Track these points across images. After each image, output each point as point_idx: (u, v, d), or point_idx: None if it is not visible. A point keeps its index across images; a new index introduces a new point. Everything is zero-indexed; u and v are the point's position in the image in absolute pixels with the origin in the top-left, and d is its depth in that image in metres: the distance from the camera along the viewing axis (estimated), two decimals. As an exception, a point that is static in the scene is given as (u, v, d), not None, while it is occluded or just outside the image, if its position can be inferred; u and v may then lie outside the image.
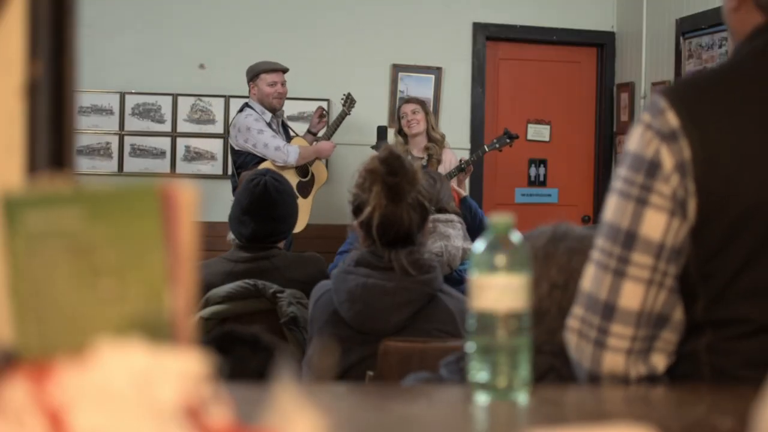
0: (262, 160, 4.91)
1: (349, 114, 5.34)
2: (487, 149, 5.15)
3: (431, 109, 5.59)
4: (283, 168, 4.92)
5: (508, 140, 5.11)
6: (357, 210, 2.27)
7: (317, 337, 2.25)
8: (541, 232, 1.60)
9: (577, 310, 1.35)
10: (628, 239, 1.30)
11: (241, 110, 5.04)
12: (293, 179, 5.06)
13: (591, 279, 1.34)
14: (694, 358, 1.33)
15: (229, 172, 5.63)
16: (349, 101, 5.34)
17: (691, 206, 1.28)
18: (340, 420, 0.87)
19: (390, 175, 2.20)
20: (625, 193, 1.31)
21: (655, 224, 1.29)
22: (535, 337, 1.52)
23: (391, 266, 2.21)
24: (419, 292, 2.20)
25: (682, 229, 1.29)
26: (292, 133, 5.24)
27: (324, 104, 5.78)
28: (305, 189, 5.14)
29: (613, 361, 1.31)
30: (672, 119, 1.29)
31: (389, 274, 2.20)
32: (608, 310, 1.31)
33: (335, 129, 5.31)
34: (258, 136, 4.88)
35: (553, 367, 1.48)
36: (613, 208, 1.33)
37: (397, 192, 2.20)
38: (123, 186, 0.71)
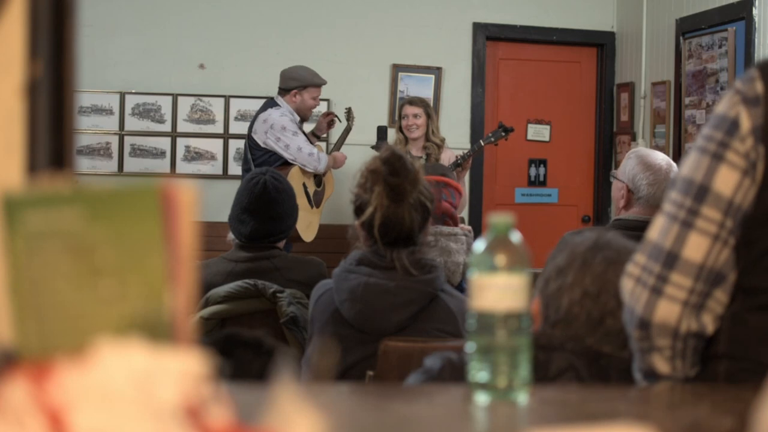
0: (287, 161, 4.84)
1: (351, 128, 5.35)
2: (483, 143, 5.13)
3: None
4: (304, 174, 4.92)
5: (503, 133, 5.10)
6: (359, 210, 2.27)
7: (317, 336, 2.25)
8: (585, 238, 1.61)
9: (639, 258, 1.38)
10: (701, 192, 1.34)
11: (271, 106, 4.90)
12: (311, 188, 5.04)
13: (658, 229, 1.37)
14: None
15: (230, 172, 5.62)
16: (350, 116, 5.36)
17: (759, 170, 1.33)
18: (340, 420, 0.87)
19: (392, 175, 2.20)
20: (704, 148, 1.36)
21: (728, 180, 1.33)
22: (558, 337, 1.52)
23: (393, 266, 2.21)
24: (420, 292, 2.20)
25: (751, 190, 1.33)
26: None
27: (324, 104, 5.78)
28: (318, 199, 5.12)
29: (667, 310, 1.33)
30: (759, 86, 1.34)
31: (391, 273, 2.21)
32: (671, 259, 1.34)
33: (342, 142, 5.32)
34: (293, 138, 4.80)
35: (572, 366, 1.48)
36: (690, 162, 1.37)
37: (399, 192, 2.20)
38: (123, 186, 0.71)
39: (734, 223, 1.33)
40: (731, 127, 1.34)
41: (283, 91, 4.95)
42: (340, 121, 5.33)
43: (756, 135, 1.33)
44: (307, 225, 4.99)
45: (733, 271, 1.35)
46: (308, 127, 5.40)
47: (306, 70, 5.00)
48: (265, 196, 2.82)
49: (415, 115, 4.98)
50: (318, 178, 5.11)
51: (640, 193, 2.78)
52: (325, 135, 5.40)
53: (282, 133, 4.80)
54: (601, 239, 1.60)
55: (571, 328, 1.53)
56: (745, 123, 1.33)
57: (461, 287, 3.02)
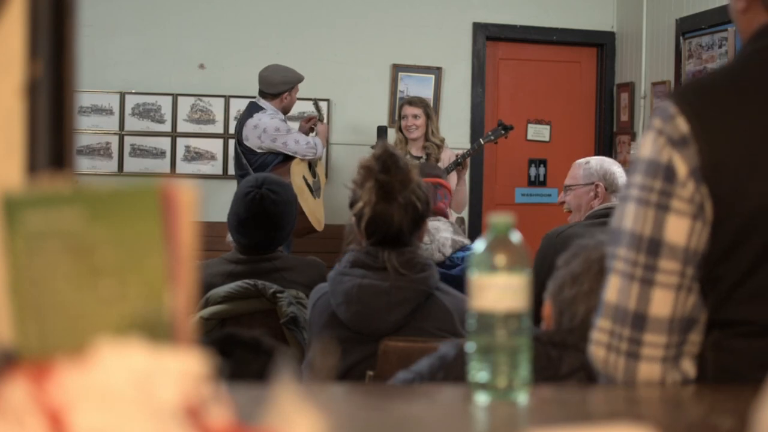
0: (287, 158, 4.89)
1: (323, 119, 5.39)
2: (483, 142, 5.12)
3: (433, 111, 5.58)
4: (302, 166, 4.97)
5: (503, 131, 5.09)
6: (352, 204, 2.28)
7: (316, 339, 2.25)
8: (599, 243, 1.59)
9: (603, 323, 1.31)
10: (653, 246, 1.27)
11: (256, 111, 4.93)
12: (309, 179, 5.09)
13: (615, 290, 1.30)
14: (700, 356, 1.33)
15: (230, 172, 5.62)
16: (318, 107, 5.38)
17: (708, 210, 1.27)
18: (340, 420, 0.88)
19: (382, 172, 2.20)
20: (644, 200, 1.29)
21: (679, 229, 1.27)
22: (572, 338, 1.52)
23: (386, 266, 2.21)
24: (414, 291, 2.20)
25: (704, 232, 1.28)
26: None
27: (324, 104, 5.78)
28: (317, 189, 5.16)
29: (648, 371, 1.28)
30: (682, 125, 1.28)
31: (384, 274, 2.21)
32: (639, 320, 1.28)
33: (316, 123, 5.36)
34: (288, 134, 4.88)
35: (584, 366, 1.47)
36: (632, 215, 1.30)
37: (388, 191, 2.19)
38: (123, 186, 0.71)
39: (694, 268, 1.28)
40: (667, 173, 1.27)
41: (271, 95, 4.98)
42: (321, 121, 5.34)
43: (696, 177, 1.26)
44: (317, 216, 5.06)
45: (703, 311, 1.30)
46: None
47: (286, 71, 5.04)
48: (262, 212, 2.77)
49: (415, 116, 4.98)
50: (312, 168, 5.13)
51: (617, 185, 3.18)
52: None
53: (277, 134, 4.86)
54: None
55: (586, 335, 1.52)
56: (681, 168, 1.27)
57: (452, 260, 3.02)
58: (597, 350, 1.32)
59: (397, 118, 5.22)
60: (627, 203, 1.32)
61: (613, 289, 1.31)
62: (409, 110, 5.00)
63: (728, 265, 1.28)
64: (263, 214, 2.78)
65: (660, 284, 1.27)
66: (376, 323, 2.19)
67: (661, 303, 1.27)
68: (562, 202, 3.32)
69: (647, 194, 1.29)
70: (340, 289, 2.22)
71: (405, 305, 2.19)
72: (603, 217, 2.98)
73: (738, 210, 1.27)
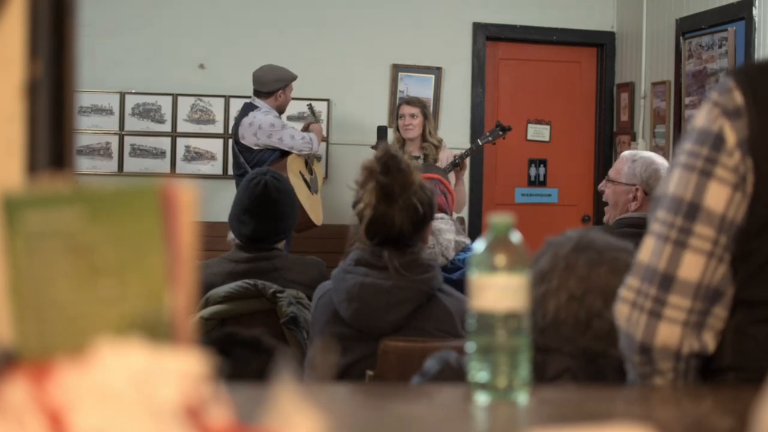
0: (283, 154, 4.95)
1: (317, 120, 5.43)
2: (480, 143, 5.12)
3: (431, 111, 5.58)
4: (299, 162, 5.01)
5: (500, 132, 5.10)
6: (355, 205, 2.28)
7: (318, 337, 2.26)
8: (567, 239, 1.59)
9: (633, 282, 1.34)
10: (692, 210, 1.31)
11: (251, 110, 4.99)
12: (306, 175, 5.12)
13: (649, 250, 1.33)
14: (720, 337, 1.34)
15: (230, 172, 5.61)
16: (312, 110, 5.45)
17: (749, 182, 1.30)
18: (340, 420, 0.87)
19: (383, 174, 2.20)
20: (690, 165, 1.33)
21: (718, 196, 1.30)
22: (552, 341, 1.52)
23: (387, 265, 2.22)
24: (416, 291, 2.21)
25: (743, 204, 1.30)
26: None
27: (324, 104, 5.78)
28: (314, 185, 5.19)
29: (668, 333, 1.30)
30: (737, 97, 1.32)
31: (386, 273, 2.21)
32: (666, 281, 1.31)
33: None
34: (284, 130, 4.95)
35: (569, 369, 1.48)
36: (675, 180, 1.34)
37: (389, 193, 2.20)
38: (123, 186, 0.71)
39: (728, 238, 1.30)
40: (716, 141, 1.31)
41: (266, 94, 5.05)
42: (317, 121, 5.40)
43: (743, 148, 1.30)
44: (315, 210, 5.09)
45: (731, 286, 1.32)
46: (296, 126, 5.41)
47: (280, 69, 5.10)
48: (265, 197, 2.83)
49: (412, 115, 4.98)
50: (308, 165, 5.16)
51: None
52: None
53: (272, 129, 4.92)
54: (583, 240, 1.59)
55: (559, 333, 1.53)
56: (731, 138, 1.31)
57: (454, 263, 3.02)
58: (622, 307, 1.35)
59: (395, 117, 5.23)
60: (674, 169, 1.36)
61: (646, 250, 1.34)
62: (406, 110, 5.01)
63: (761, 241, 1.30)
64: (266, 200, 2.83)
65: (692, 248, 1.30)
66: (376, 321, 2.19)
67: (691, 266, 1.30)
68: (602, 191, 3.10)
69: (693, 160, 1.33)
70: (342, 286, 2.23)
71: (406, 305, 2.20)
72: (630, 227, 2.81)
73: None
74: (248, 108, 5.02)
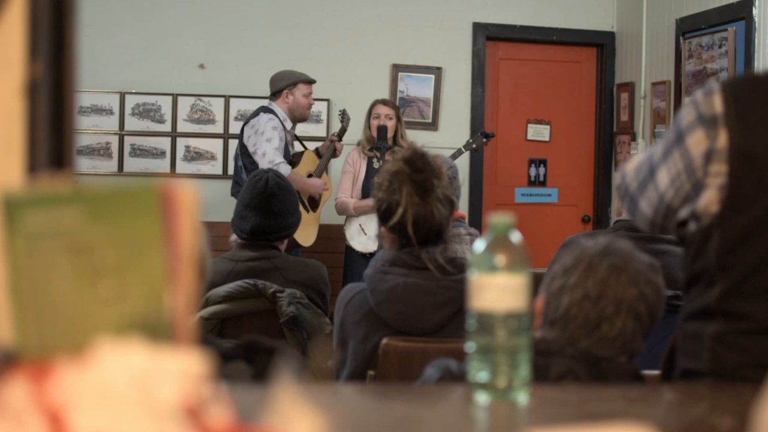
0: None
1: (347, 129, 5.25)
2: (463, 150, 5.10)
3: (431, 111, 5.56)
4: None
5: (484, 140, 5.11)
6: (386, 214, 2.22)
7: (352, 338, 2.22)
8: (597, 242, 1.61)
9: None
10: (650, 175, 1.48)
11: (262, 112, 4.86)
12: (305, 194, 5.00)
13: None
14: (698, 341, 1.33)
15: (230, 172, 5.60)
16: (345, 117, 5.25)
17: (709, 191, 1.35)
18: (340, 420, 0.87)
19: (417, 172, 2.19)
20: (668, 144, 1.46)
21: (665, 176, 1.44)
22: (556, 340, 1.52)
23: (427, 266, 2.20)
24: (460, 291, 2.18)
25: (685, 188, 1.42)
26: (301, 147, 5.19)
27: (324, 104, 5.78)
28: (313, 203, 5.06)
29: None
30: (717, 104, 1.33)
31: (426, 273, 2.19)
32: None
33: (325, 166, 5.18)
34: (264, 143, 4.73)
35: (572, 371, 1.48)
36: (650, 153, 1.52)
37: (426, 188, 2.19)
38: (123, 186, 0.71)
39: (664, 218, 1.49)
40: (679, 137, 1.43)
41: (275, 95, 4.93)
42: (339, 139, 5.21)
43: (712, 157, 1.35)
44: (304, 229, 4.90)
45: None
46: (309, 128, 5.39)
47: (290, 71, 4.99)
48: (267, 192, 2.88)
49: (388, 116, 4.91)
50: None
51: None
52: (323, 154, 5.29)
53: (258, 137, 4.74)
54: (612, 245, 1.60)
55: (567, 329, 1.53)
56: (699, 144, 1.37)
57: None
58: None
59: (366, 117, 5.05)
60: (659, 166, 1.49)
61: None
62: (382, 110, 4.92)
63: (740, 256, 1.29)
64: (267, 195, 2.88)
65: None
66: (420, 323, 2.18)
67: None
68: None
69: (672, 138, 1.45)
70: (382, 287, 2.19)
71: (450, 306, 2.18)
72: (626, 230, 2.76)
73: (759, 200, 1.28)
74: (261, 110, 4.92)
